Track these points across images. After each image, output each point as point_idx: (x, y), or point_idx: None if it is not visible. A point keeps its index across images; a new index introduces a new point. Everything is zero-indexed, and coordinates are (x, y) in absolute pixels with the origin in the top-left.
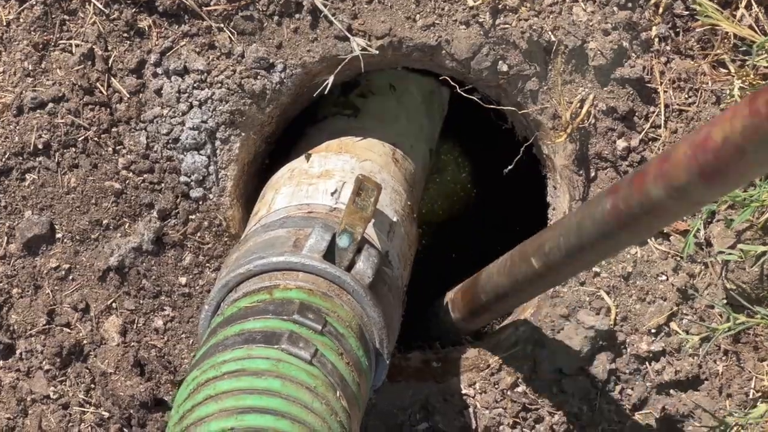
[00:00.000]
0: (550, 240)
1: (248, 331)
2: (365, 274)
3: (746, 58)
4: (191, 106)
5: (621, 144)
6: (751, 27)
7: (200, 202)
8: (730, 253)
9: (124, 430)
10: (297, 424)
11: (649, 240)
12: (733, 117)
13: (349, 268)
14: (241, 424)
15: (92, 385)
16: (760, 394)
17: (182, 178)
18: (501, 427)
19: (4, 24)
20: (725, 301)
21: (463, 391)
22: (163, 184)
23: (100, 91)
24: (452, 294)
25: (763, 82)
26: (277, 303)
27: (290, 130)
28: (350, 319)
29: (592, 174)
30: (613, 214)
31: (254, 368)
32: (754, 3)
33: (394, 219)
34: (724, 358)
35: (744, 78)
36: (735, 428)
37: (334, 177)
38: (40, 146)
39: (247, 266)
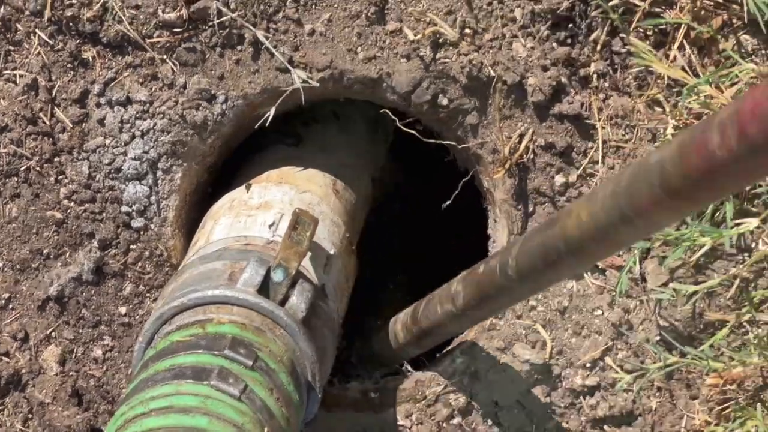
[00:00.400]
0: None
1: (179, 366)
2: (299, 309)
3: (679, 98)
4: (133, 137)
5: (559, 179)
6: (683, 68)
7: (141, 232)
8: (662, 292)
9: None
10: None
11: (585, 275)
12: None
13: (282, 302)
14: None
15: (30, 415)
16: None
17: (123, 208)
18: None
19: None
20: (658, 338)
21: (400, 422)
22: (104, 214)
23: (43, 121)
24: (399, 318)
25: (696, 122)
26: (209, 338)
27: (233, 159)
28: (282, 354)
29: (531, 209)
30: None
31: (182, 405)
32: (686, 44)
33: (332, 251)
34: (657, 394)
35: (678, 118)
36: None
37: (273, 209)
38: None
39: (182, 299)
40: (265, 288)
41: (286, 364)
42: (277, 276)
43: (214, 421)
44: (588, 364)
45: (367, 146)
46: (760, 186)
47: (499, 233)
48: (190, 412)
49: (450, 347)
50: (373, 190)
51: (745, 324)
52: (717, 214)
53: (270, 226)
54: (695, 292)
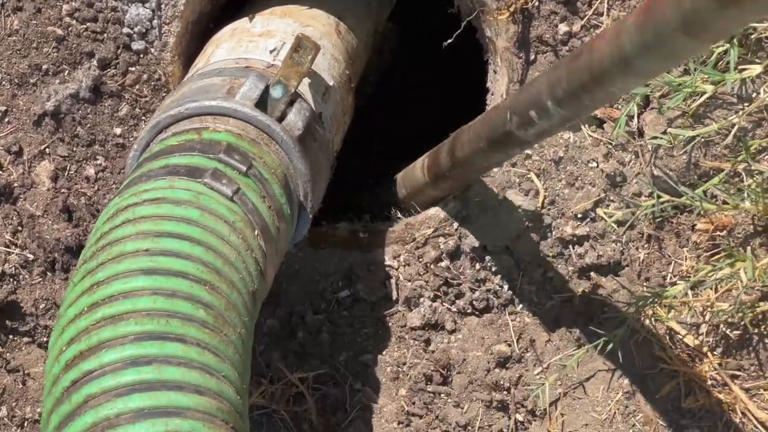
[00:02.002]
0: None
1: (173, 165)
2: (295, 126)
3: None
4: None
5: (563, 28)
6: None
7: (141, 55)
8: (660, 138)
9: (48, 273)
10: (211, 252)
11: (582, 126)
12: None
13: (280, 119)
14: (157, 246)
15: (19, 227)
16: (677, 277)
17: (125, 30)
18: (421, 299)
19: None
20: (652, 187)
21: (387, 262)
22: (105, 34)
23: None
24: (423, 158)
25: None
26: (205, 143)
27: None
28: (276, 167)
29: (532, 57)
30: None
31: (174, 197)
32: None
33: (331, 83)
34: (646, 245)
35: None
36: (651, 305)
37: (275, 36)
38: None
39: (179, 108)
40: (263, 103)
41: (279, 177)
42: (276, 92)
43: (205, 215)
44: (579, 215)
45: None
46: (765, 34)
47: (499, 84)
48: (182, 204)
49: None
50: (373, 41)
51: (740, 172)
52: (720, 62)
53: (271, 51)
54: (692, 139)
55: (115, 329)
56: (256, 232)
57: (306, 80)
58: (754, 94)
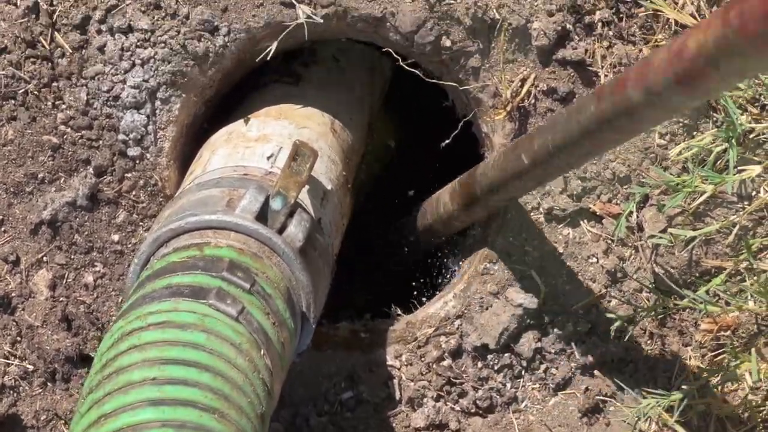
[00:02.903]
0: (539, 138)
1: (176, 285)
2: (296, 238)
3: None
4: (133, 65)
5: None
6: (692, 15)
7: (137, 161)
8: (660, 237)
9: (48, 384)
10: (219, 378)
11: (581, 222)
12: (706, 28)
13: (280, 231)
14: (164, 374)
15: (18, 338)
16: (683, 377)
17: (120, 136)
18: (425, 399)
19: None
20: (654, 284)
21: (389, 363)
22: (100, 141)
23: (43, 45)
24: (451, 187)
25: None
26: (207, 260)
27: (231, 96)
28: (279, 281)
29: None
30: (597, 114)
31: (180, 321)
32: None
33: (329, 187)
34: (649, 342)
35: None
36: (656, 409)
37: (272, 141)
38: None
39: (179, 222)
40: (263, 216)
41: (282, 292)
42: (276, 204)
43: (211, 338)
44: (581, 311)
45: (365, 90)
46: (764, 134)
47: None
48: (188, 328)
49: (442, 291)
50: (368, 135)
51: (742, 271)
52: (719, 162)
53: (268, 158)
54: (693, 238)
55: None
56: (262, 352)
57: (305, 187)
58: (753, 193)
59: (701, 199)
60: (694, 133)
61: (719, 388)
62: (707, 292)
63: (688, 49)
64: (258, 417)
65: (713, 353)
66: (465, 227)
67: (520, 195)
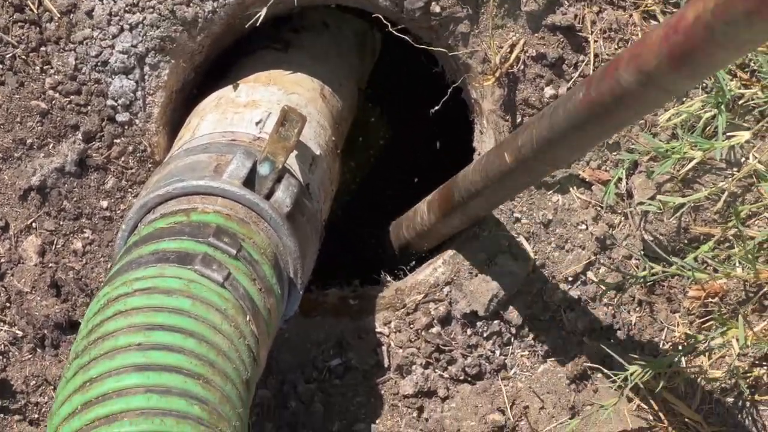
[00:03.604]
0: (524, 134)
1: (162, 251)
2: (284, 203)
3: (677, 9)
4: (122, 30)
5: (549, 91)
6: None
7: (126, 127)
8: (649, 204)
9: (37, 349)
10: (204, 344)
11: (570, 188)
12: None
13: (268, 196)
14: (149, 340)
15: (7, 304)
16: (670, 344)
17: (109, 102)
18: (414, 367)
19: None
20: (643, 252)
21: (378, 329)
22: (89, 107)
23: (31, 9)
24: (430, 196)
25: None
26: (194, 225)
27: (220, 61)
28: (266, 247)
29: (519, 119)
30: (585, 102)
31: (166, 287)
32: None
33: (317, 152)
34: (637, 309)
35: None
36: (645, 374)
37: (260, 107)
38: None
39: (167, 188)
40: (250, 181)
41: (269, 257)
42: (264, 169)
43: (197, 304)
44: (570, 278)
45: (355, 57)
46: (753, 100)
47: (485, 144)
48: (173, 294)
49: (431, 258)
50: (358, 100)
51: (730, 238)
52: (709, 128)
53: (257, 123)
54: (682, 205)
55: (110, 430)
56: (248, 318)
57: (293, 152)
58: (742, 159)
59: (690, 166)
60: (684, 99)
61: (707, 354)
62: (695, 259)
63: (685, 19)
64: (243, 383)
65: (701, 320)
66: (443, 240)
67: (501, 201)
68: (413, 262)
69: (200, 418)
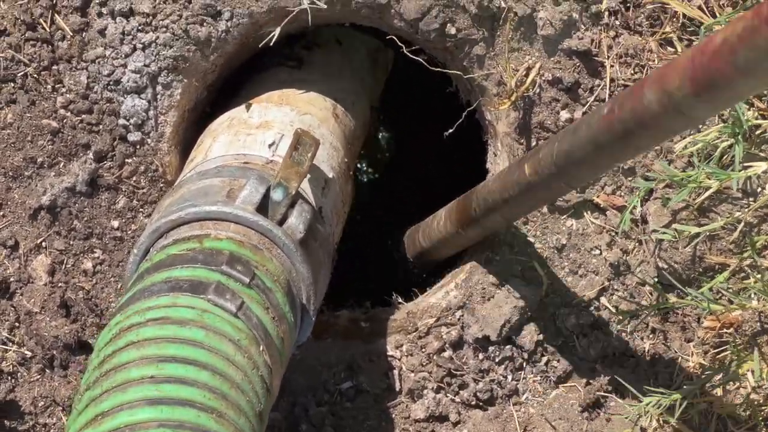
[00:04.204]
0: (546, 147)
1: (175, 279)
2: (297, 229)
3: (693, 38)
4: (134, 49)
5: (564, 115)
6: (700, 8)
7: (138, 147)
8: (664, 232)
9: (46, 370)
10: (218, 377)
11: (584, 213)
12: (737, 20)
13: (281, 222)
14: (162, 372)
15: (16, 324)
16: (684, 375)
17: (121, 121)
18: (425, 391)
19: None
20: (656, 280)
21: (390, 353)
22: (101, 126)
23: (43, 27)
24: (449, 205)
25: None
26: (207, 253)
27: (233, 79)
28: (279, 274)
29: (533, 143)
30: (607, 120)
31: (179, 317)
32: None
33: (330, 175)
34: (651, 336)
35: None
36: (657, 407)
37: (273, 129)
38: None
39: (179, 213)
40: (264, 207)
41: (282, 284)
42: (277, 195)
43: (210, 335)
44: (583, 304)
45: (368, 75)
46: None
47: (499, 166)
48: (186, 324)
49: (443, 280)
50: (371, 118)
51: (746, 268)
52: (725, 157)
53: (270, 146)
54: (697, 234)
55: None
56: (261, 348)
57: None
58: (759, 189)
59: (706, 195)
60: (700, 127)
61: (721, 386)
62: (710, 289)
63: (713, 42)
64: (256, 415)
65: (715, 350)
66: (459, 251)
67: (518, 215)
68: (424, 275)
69: None
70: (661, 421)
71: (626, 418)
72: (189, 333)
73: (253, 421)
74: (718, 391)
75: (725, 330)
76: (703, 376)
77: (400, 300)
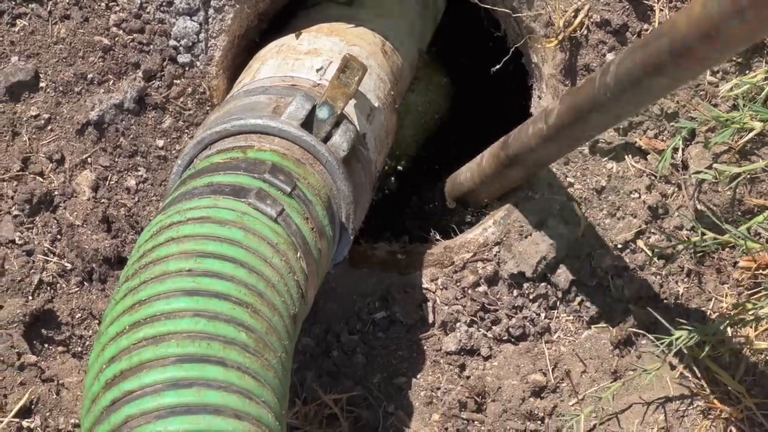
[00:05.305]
0: (589, 82)
1: (217, 184)
2: (340, 147)
3: None
4: None
5: (611, 58)
6: None
7: (187, 68)
8: (705, 172)
9: (85, 283)
10: (254, 274)
11: (626, 156)
12: None
13: (325, 139)
14: (200, 266)
15: (58, 236)
16: (717, 314)
17: (171, 42)
18: (458, 324)
19: None
20: (694, 224)
21: (425, 285)
22: (151, 46)
23: None
24: (494, 145)
25: None
26: (250, 162)
27: (283, 14)
28: (320, 188)
29: (578, 85)
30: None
31: (219, 217)
32: None
33: (376, 104)
34: (686, 279)
35: None
36: (690, 340)
37: (322, 55)
38: None
39: (224, 125)
40: (309, 123)
41: (323, 199)
42: (323, 113)
43: (249, 236)
44: (619, 245)
45: (418, 18)
46: None
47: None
48: (226, 224)
49: (483, 219)
50: (418, 62)
51: None
52: None
53: (317, 71)
54: (737, 175)
55: (156, 350)
56: (298, 254)
57: (352, 101)
58: None
59: (749, 136)
60: (746, 71)
61: (753, 326)
62: (748, 230)
63: None
64: (290, 317)
65: (750, 292)
66: (501, 194)
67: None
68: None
69: (246, 345)
70: (691, 357)
71: (656, 354)
72: (228, 232)
73: (286, 321)
74: (750, 332)
75: (761, 271)
76: (736, 316)
77: (438, 236)
